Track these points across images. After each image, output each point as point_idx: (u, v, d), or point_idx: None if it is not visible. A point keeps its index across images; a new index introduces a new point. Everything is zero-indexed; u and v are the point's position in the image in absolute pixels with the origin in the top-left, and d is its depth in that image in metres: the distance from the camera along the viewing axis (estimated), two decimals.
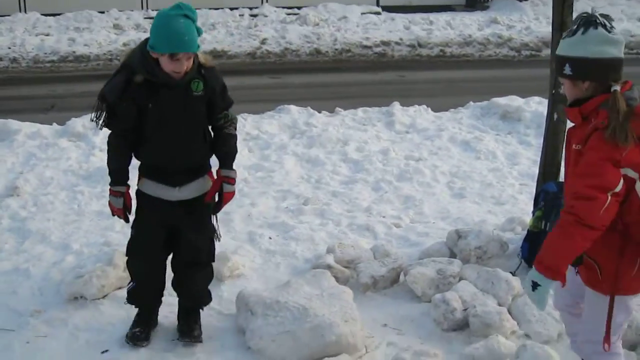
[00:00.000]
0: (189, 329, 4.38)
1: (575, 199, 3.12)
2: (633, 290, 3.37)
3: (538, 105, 8.95)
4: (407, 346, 4.22)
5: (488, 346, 4.17)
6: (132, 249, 4.32)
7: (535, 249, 5.05)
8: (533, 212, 5.23)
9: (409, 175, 7.27)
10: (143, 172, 4.20)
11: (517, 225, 5.80)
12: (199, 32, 3.92)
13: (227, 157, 4.31)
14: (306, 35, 16.57)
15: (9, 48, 15.16)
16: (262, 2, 19.59)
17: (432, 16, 18.72)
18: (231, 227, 5.99)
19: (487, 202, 6.67)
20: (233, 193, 4.37)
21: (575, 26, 3.28)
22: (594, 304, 3.45)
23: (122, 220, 4.33)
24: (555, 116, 5.40)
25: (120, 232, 5.76)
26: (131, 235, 4.31)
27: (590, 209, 3.07)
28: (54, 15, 17.77)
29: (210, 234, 4.39)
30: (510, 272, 4.98)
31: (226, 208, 6.28)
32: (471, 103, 9.57)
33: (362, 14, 18.89)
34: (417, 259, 5.28)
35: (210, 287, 4.77)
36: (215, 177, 4.30)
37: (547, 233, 4.93)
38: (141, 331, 4.34)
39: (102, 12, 17.98)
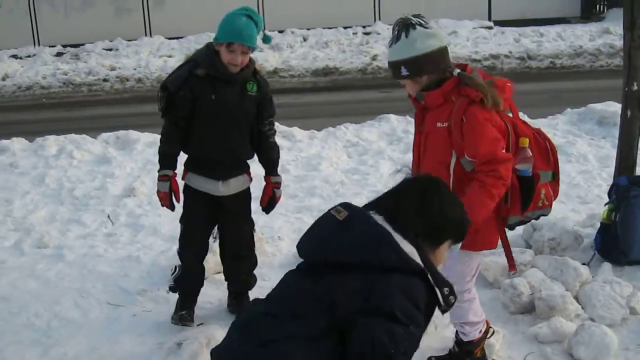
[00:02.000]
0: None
1: (498, 163, 3.43)
2: (489, 244, 3.85)
3: None
4: None
5: (551, 326, 4.44)
6: (184, 241, 4.73)
7: (607, 241, 5.30)
8: (606, 205, 5.45)
9: None
10: (189, 167, 4.56)
11: (598, 222, 5.96)
12: (267, 39, 4.52)
13: (275, 163, 4.79)
14: None
15: (135, 69, 16.25)
16: (374, 20, 20.09)
17: (543, 28, 18.66)
18: None
19: (572, 202, 6.84)
20: (280, 196, 4.86)
21: (397, 32, 3.61)
22: (461, 261, 3.83)
23: None
24: (629, 113, 5.59)
25: None
26: (181, 229, 4.72)
27: (508, 168, 3.44)
28: (177, 38, 18.83)
29: (251, 228, 4.87)
30: (583, 263, 5.20)
31: (322, 206, 6.80)
32: (568, 109, 9.68)
33: (474, 28, 19.08)
34: None
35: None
36: (265, 182, 4.79)
37: (618, 225, 5.18)
38: (187, 313, 4.74)
39: None
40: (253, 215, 6.68)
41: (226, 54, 4.30)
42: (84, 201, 7.32)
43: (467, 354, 4.08)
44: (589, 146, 8.45)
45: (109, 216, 6.87)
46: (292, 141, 8.98)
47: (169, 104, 4.36)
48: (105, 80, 15.93)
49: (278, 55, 17.17)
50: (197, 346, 4.02)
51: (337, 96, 13.66)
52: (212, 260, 5.40)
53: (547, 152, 3.71)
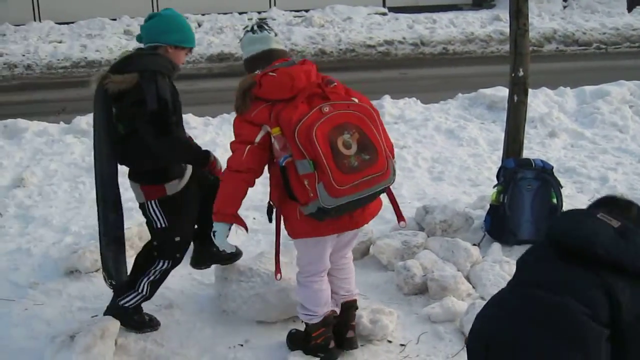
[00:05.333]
0: None
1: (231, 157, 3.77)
2: (300, 233, 3.87)
3: None
4: (367, 307, 4.60)
5: (443, 306, 4.56)
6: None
7: (496, 222, 5.47)
8: (494, 187, 5.62)
9: None
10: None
11: (488, 204, 6.14)
12: None
13: None
14: (311, 37, 16.98)
15: (23, 55, 15.65)
16: (270, 6, 20.03)
17: (436, 15, 18.97)
18: None
19: (463, 184, 7.04)
20: None
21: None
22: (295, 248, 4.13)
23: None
24: (516, 98, 5.77)
25: None
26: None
27: (233, 158, 3.74)
28: (67, 23, 18.28)
29: None
30: (474, 244, 5.36)
31: None
32: (459, 95, 9.90)
33: (368, 14, 19.25)
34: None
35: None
36: None
37: (507, 206, 5.36)
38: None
39: (114, 19, 18.47)
40: None
41: (183, 57, 4.40)
42: None
43: (306, 335, 4.21)
44: (479, 130, 8.68)
45: None
46: (187, 128, 8.77)
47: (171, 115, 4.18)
48: None
49: None
50: (90, 338, 3.92)
51: (232, 82, 13.39)
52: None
53: (294, 142, 3.59)
